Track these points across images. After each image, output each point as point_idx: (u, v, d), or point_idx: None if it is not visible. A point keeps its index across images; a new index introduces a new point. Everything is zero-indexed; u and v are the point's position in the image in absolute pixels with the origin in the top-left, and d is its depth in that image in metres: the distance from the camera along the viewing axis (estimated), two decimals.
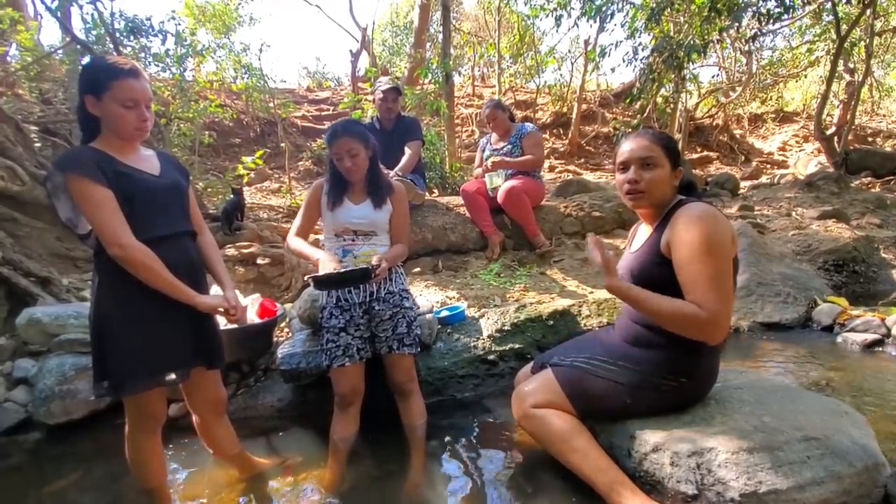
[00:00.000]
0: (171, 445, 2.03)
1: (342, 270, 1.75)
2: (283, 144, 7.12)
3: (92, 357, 1.45)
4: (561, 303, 2.60)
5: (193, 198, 1.64)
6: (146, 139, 1.50)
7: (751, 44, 8.38)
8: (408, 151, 3.63)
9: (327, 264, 1.78)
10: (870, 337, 2.55)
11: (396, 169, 3.47)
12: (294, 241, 1.98)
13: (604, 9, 6.17)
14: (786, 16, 5.61)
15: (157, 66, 5.92)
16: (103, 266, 1.41)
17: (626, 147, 1.52)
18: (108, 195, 1.34)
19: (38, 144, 4.09)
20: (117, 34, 4.73)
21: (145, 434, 1.55)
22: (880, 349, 2.50)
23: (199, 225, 1.64)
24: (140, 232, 1.37)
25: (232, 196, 4.27)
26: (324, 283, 1.78)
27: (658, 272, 1.44)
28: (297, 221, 2.03)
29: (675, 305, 1.35)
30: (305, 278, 1.82)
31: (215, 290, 1.67)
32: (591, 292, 3.17)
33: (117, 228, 1.33)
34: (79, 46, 4.59)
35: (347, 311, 1.90)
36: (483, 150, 4.16)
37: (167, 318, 1.45)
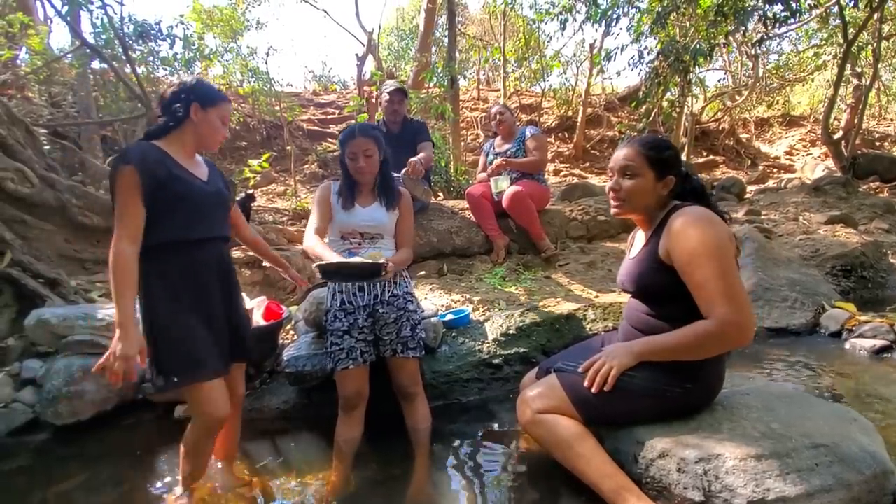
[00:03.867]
0: (179, 447, 2.04)
1: (354, 261, 1.77)
2: (288, 147, 7.17)
3: (150, 351, 1.50)
4: (566, 307, 2.59)
5: (233, 201, 1.82)
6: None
7: (757, 48, 8.35)
8: (422, 154, 3.62)
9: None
10: (878, 343, 2.53)
11: (418, 158, 3.41)
12: (312, 240, 1.93)
13: (609, 13, 6.18)
14: (792, 20, 5.59)
15: (166, 69, 5.99)
16: (153, 263, 1.51)
17: (615, 154, 1.57)
18: (137, 202, 1.46)
19: (47, 147, 4.13)
20: (126, 38, 4.78)
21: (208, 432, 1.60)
22: (889, 355, 2.48)
23: (238, 225, 1.88)
24: (178, 231, 1.52)
25: (238, 198, 4.28)
26: (332, 273, 1.80)
27: (659, 279, 1.45)
28: (314, 220, 1.99)
29: (685, 333, 1.36)
30: (314, 266, 1.82)
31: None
32: (597, 296, 3.16)
33: (127, 232, 1.46)
34: (88, 50, 4.64)
35: (352, 314, 1.90)
36: (487, 154, 4.16)
37: (210, 315, 1.58)
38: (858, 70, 8.64)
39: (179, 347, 1.49)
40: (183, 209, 1.53)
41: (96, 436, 2.16)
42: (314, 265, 1.80)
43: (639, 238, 1.66)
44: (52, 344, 2.41)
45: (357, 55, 10.53)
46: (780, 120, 11.98)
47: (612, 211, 1.60)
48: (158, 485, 1.78)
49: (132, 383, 2.30)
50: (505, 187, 3.76)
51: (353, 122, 7.05)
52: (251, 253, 3.78)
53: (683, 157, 8.80)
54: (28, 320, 2.37)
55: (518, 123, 4.15)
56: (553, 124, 10.61)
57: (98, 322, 2.34)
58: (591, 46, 9.65)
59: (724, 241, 1.36)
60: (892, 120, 12.40)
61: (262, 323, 2.38)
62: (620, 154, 1.54)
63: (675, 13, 5.80)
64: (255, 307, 2.44)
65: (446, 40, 7.08)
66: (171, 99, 1.58)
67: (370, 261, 1.78)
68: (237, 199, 4.54)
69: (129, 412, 2.32)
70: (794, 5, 5.20)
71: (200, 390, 1.51)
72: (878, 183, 6.89)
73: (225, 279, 1.65)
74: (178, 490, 1.65)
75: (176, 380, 1.48)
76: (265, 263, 3.80)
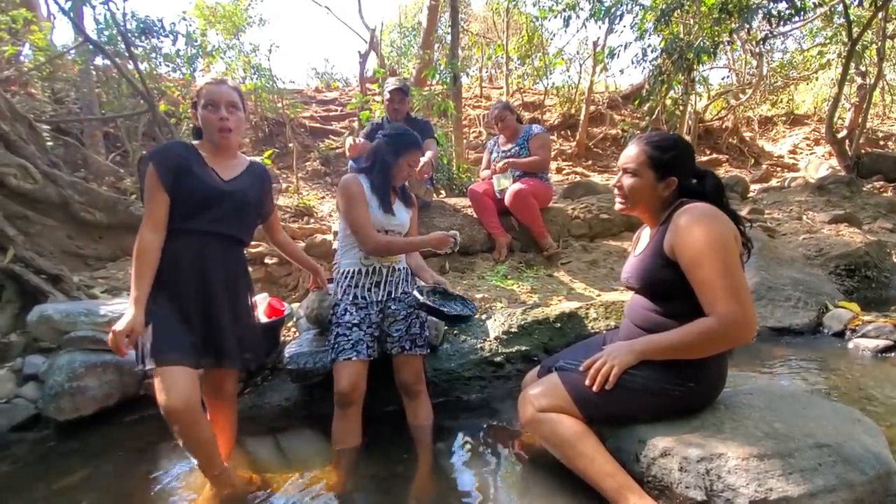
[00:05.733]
0: (178, 445, 2.04)
1: (460, 314, 1.92)
2: (291, 145, 7.16)
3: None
4: (568, 305, 2.59)
5: (273, 207, 1.92)
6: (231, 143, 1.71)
7: (761, 46, 8.31)
8: (428, 153, 3.61)
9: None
10: (882, 343, 2.52)
11: (427, 160, 3.39)
12: (386, 238, 1.95)
13: (613, 10, 6.15)
14: (797, 18, 5.56)
15: (168, 66, 5.97)
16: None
17: (624, 152, 1.60)
18: (158, 195, 1.56)
19: (50, 143, 4.13)
20: (129, 35, 4.77)
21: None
22: (892, 355, 2.47)
23: (273, 228, 1.96)
24: (182, 220, 1.59)
25: None
26: (435, 313, 1.93)
27: (664, 275, 1.44)
28: (366, 220, 1.94)
29: (687, 331, 1.36)
30: (416, 293, 1.90)
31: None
32: (599, 295, 3.16)
33: (148, 222, 1.56)
34: (91, 46, 4.64)
35: (364, 309, 1.91)
36: (490, 152, 4.16)
37: (182, 307, 1.60)
38: (863, 69, 8.60)
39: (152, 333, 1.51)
40: (188, 202, 1.59)
41: (98, 431, 2.16)
42: (416, 291, 1.88)
43: (644, 235, 1.67)
44: (55, 340, 2.41)
45: (359, 52, 10.51)
46: (784, 118, 11.93)
47: (616, 207, 1.63)
48: (160, 480, 1.78)
49: (135, 380, 2.33)
50: (507, 185, 3.75)
51: (356, 119, 7.04)
52: (253, 250, 3.81)
53: None
54: (30, 316, 2.38)
55: (523, 123, 4.13)
56: (556, 122, 10.58)
57: (100, 318, 2.34)
58: (595, 44, 9.61)
59: (727, 238, 1.35)
60: None
61: (264, 320, 2.39)
62: (626, 152, 1.58)
63: (678, 10, 5.76)
64: (257, 304, 2.45)
65: (449, 37, 7.07)
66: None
67: (467, 312, 1.96)
68: None
69: (131, 408, 2.32)
70: (798, 3, 5.18)
71: (159, 376, 1.48)
72: (882, 182, 6.85)
73: (206, 277, 1.63)
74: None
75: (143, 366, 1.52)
76: (267, 260, 3.81)
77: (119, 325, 1.45)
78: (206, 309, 1.61)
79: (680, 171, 1.52)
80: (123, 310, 2.36)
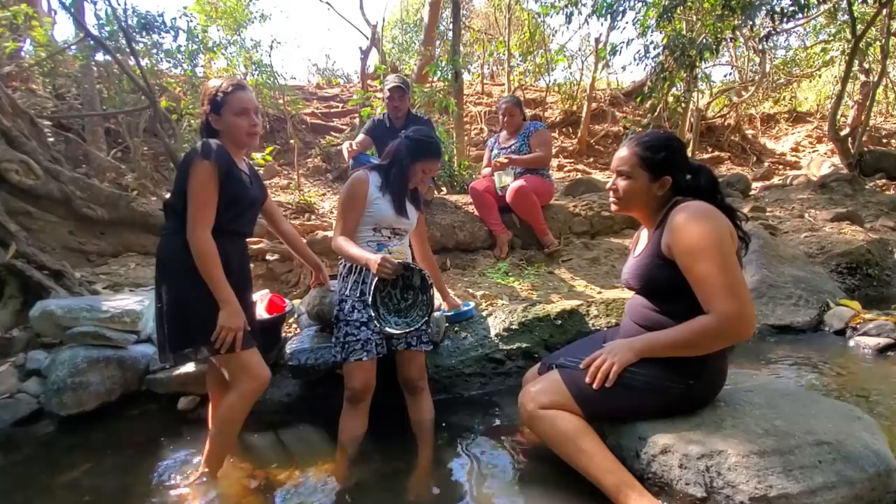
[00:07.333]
0: (183, 438, 2.05)
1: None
2: (292, 141, 7.15)
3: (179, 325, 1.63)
4: (569, 302, 2.59)
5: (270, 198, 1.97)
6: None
7: (764, 43, 8.27)
8: None
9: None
10: (883, 341, 2.52)
11: None
12: (342, 241, 1.90)
13: (615, 6, 6.13)
14: (800, 14, 5.52)
15: (169, 62, 5.96)
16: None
17: (616, 153, 1.61)
18: (215, 194, 1.61)
19: (51, 139, 4.14)
20: (130, 30, 4.76)
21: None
22: (893, 353, 2.47)
23: (277, 219, 2.03)
24: (226, 223, 1.65)
25: None
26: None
27: (662, 274, 1.45)
28: (344, 221, 1.95)
29: (686, 328, 1.37)
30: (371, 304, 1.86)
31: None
32: (600, 292, 3.16)
33: (206, 221, 1.59)
34: (92, 42, 4.63)
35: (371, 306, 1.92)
36: (491, 149, 4.15)
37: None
38: (866, 66, 8.56)
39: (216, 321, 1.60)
40: (234, 205, 1.67)
41: (101, 426, 2.18)
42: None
43: (643, 236, 1.67)
44: (57, 335, 2.42)
45: (361, 48, 10.48)
46: (787, 116, 11.88)
47: (612, 208, 1.66)
48: (162, 475, 1.79)
49: (137, 375, 2.34)
50: (508, 182, 3.75)
51: (357, 116, 7.03)
52: (254, 246, 3.81)
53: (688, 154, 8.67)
54: (33, 311, 2.38)
55: (526, 120, 4.12)
56: (557, 119, 10.54)
57: (102, 314, 2.34)
58: (597, 40, 9.56)
59: (723, 235, 1.35)
60: None
61: (266, 316, 2.39)
62: (618, 154, 1.58)
63: (681, 7, 5.74)
64: (259, 300, 2.45)
65: (451, 34, 7.05)
66: (204, 119, 1.72)
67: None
68: None
69: (133, 403, 2.33)
70: (801, 0, 5.15)
71: (245, 357, 1.64)
72: (884, 180, 6.83)
73: (243, 276, 1.79)
74: (196, 472, 1.70)
75: (206, 349, 1.61)
76: (268, 256, 3.81)
77: (237, 322, 1.59)
78: (243, 304, 1.70)
79: (673, 169, 1.52)
80: (125, 305, 2.40)
